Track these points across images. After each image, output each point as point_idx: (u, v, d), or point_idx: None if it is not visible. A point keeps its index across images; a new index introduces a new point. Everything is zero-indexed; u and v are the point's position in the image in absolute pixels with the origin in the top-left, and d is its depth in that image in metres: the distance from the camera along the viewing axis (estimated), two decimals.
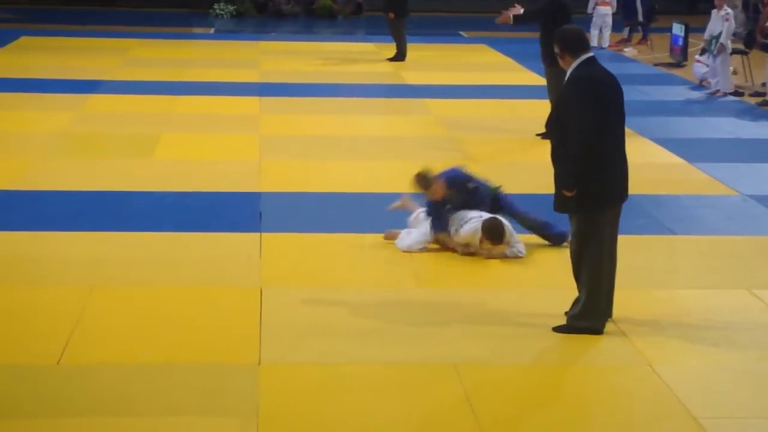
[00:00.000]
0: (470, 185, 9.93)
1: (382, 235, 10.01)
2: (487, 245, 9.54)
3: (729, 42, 18.98)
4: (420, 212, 10.07)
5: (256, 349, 7.56)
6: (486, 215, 9.64)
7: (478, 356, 7.56)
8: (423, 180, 9.90)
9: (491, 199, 9.89)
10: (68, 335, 7.69)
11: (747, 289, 8.99)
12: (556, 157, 7.83)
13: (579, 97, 7.70)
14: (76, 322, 7.94)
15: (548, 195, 8.56)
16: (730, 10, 19.06)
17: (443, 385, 7.08)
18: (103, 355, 7.44)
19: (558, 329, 7.95)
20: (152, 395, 6.85)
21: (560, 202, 7.88)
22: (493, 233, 9.50)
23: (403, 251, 9.69)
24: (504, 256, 9.54)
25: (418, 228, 9.90)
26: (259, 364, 7.34)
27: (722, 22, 18.81)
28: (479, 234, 9.50)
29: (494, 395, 6.98)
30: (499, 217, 9.64)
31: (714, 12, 19.08)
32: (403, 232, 9.92)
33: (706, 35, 19.23)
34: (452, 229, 9.69)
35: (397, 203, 10.37)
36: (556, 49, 7.92)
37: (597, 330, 7.89)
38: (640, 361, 7.51)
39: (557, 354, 7.68)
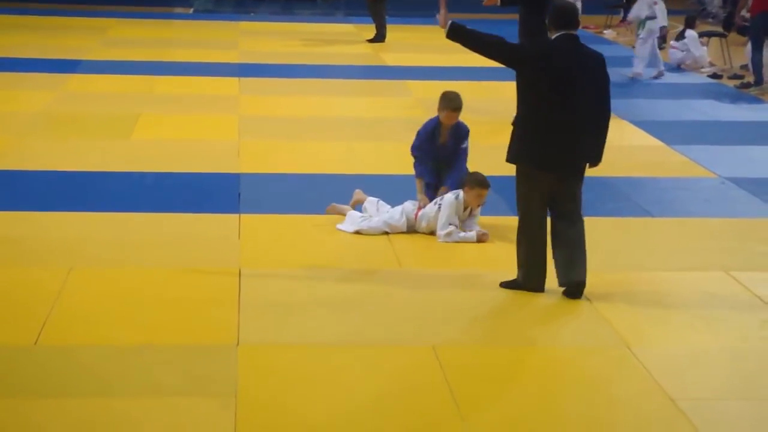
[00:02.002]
0: (465, 144, 10.18)
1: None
2: (478, 196, 9.67)
3: (657, 26, 18.90)
4: (378, 201, 10.03)
5: (234, 329, 7.56)
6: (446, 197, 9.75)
7: (457, 338, 7.57)
8: (457, 100, 10.07)
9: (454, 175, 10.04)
10: (46, 316, 7.68)
11: (724, 270, 9.03)
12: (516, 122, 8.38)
13: (534, 66, 8.11)
14: (54, 302, 7.93)
15: None
16: None
17: (422, 366, 7.10)
18: (81, 336, 7.43)
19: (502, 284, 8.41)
20: (130, 376, 6.84)
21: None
22: (483, 181, 9.71)
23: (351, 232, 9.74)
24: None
25: (380, 214, 9.85)
26: (238, 344, 7.34)
27: (649, 6, 18.75)
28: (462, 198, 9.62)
29: (472, 376, 6.99)
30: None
31: None
32: (353, 214, 9.90)
33: (633, 18, 19.19)
34: (423, 223, 9.75)
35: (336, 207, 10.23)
36: (547, 21, 8.13)
37: (522, 286, 8.32)
38: (618, 343, 7.54)
39: (535, 335, 7.70)
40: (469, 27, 8.46)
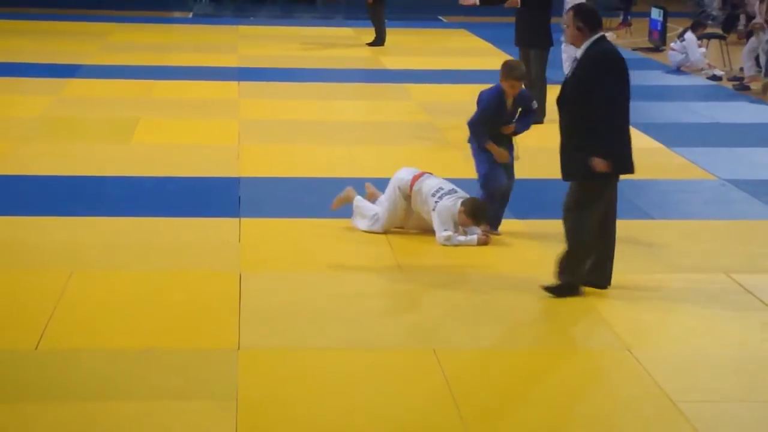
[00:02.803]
0: (535, 105, 10.20)
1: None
2: (465, 224, 9.62)
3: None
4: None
5: (235, 333, 7.56)
6: (459, 194, 9.70)
7: (458, 341, 7.57)
8: (520, 68, 9.90)
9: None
10: (46, 320, 7.67)
11: (725, 272, 9.03)
12: (575, 130, 8.09)
13: (608, 69, 8.03)
14: (55, 307, 7.93)
15: (531, 179, 8.63)
16: None
17: (423, 370, 7.09)
18: (82, 340, 7.43)
19: (546, 288, 8.30)
20: (131, 380, 6.84)
21: (570, 169, 8.17)
22: (477, 214, 9.57)
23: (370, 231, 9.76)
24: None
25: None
26: (239, 348, 7.34)
27: None
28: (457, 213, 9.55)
29: (474, 380, 6.99)
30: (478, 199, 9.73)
31: None
32: (365, 207, 9.94)
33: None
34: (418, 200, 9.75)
35: (342, 195, 10.22)
36: (578, 23, 8.10)
37: (574, 286, 8.27)
38: (618, 345, 7.54)
39: (536, 338, 7.70)
40: None
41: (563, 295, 8.24)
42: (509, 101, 9.78)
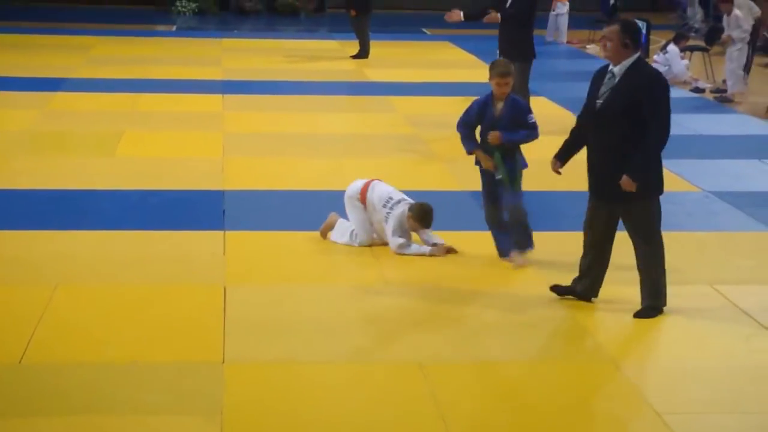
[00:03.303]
0: (533, 119, 9.45)
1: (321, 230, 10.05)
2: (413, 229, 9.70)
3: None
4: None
5: (220, 347, 7.55)
6: (405, 200, 9.73)
7: (443, 354, 7.57)
8: (504, 65, 9.57)
9: None
10: (30, 334, 7.65)
11: (709, 284, 9.05)
12: (620, 149, 7.96)
13: (666, 95, 7.93)
14: (39, 320, 7.90)
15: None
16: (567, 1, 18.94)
17: (408, 383, 7.09)
18: (66, 354, 7.40)
19: (640, 315, 8.26)
20: (116, 394, 6.82)
21: (613, 188, 8.05)
22: (425, 217, 9.62)
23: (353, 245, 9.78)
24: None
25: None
26: (223, 362, 7.32)
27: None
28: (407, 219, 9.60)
29: (459, 393, 6.99)
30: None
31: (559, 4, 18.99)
32: (344, 223, 9.95)
33: (548, 37, 19.12)
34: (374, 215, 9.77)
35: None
36: (626, 39, 7.92)
37: (663, 308, 8.33)
38: (604, 358, 7.55)
39: (521, 351, 7.70)
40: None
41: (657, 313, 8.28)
42: (498, 105, 9.36)
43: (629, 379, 7.19)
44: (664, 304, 8.29)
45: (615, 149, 8.00)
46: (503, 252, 9.46)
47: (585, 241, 8.45)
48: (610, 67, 8.07)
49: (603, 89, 8.06)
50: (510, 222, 9.40)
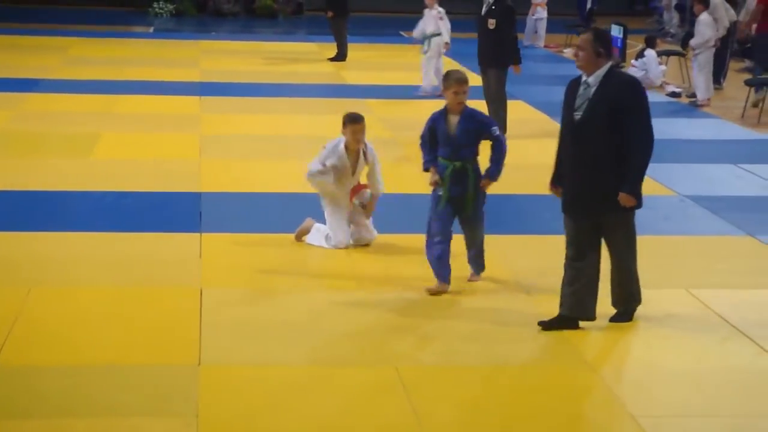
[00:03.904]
0: (496, 132, 8.83)
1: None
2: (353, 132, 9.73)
3: (449, 39, 18.72)
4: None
5: (196, 349, 7.53)
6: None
7: (420, 358, 7.57)
8: (458, 73, 8.86)
9: None
10: (5, 337, 7.61)
11: (685, 288, 9.08)
12: (603, 162, 7.74)
13: (645, 100, 7.77)
14: (14, 323, 7.86)
15: (492, 195, 8.63)
16: (441, 9, 18.82)
17: (384, 387, 7.09)
18: (42, 356, 7.37)
19: (616, 320, 8.20)
20: (91, 396, 6.80)
21: (595, 202, 7.88)
22: (356, 117, 9.74)
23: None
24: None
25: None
26: (199, 364, 7.31)
27: (436, 20, 18.68)
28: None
29: (435, 397, 6.99)
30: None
31: (426, 11, 18.91)
32: (320, 227, 9.95)
33: (418, 34, 19.04)
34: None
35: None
36: (599, 47, 7.70)
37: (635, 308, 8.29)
38: (579, 361, 7.56)
39: (497, 355, 7.70)
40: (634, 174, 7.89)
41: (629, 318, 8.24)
42: (453, 120, 8.70)
43: (605, 382, 7.21)
44: (639, 302, 8.27)
45: (597, 162, 7.76)
46: (477, 271, 9.14)
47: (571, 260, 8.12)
48: (584, 77, 7.83)
49: (579, 101, 7.79)
50: (471, 243, 9.04)
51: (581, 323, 8.05)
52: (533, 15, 26.11)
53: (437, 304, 8.50)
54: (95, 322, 7.99)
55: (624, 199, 7.81)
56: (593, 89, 7.75)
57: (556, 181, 8.16)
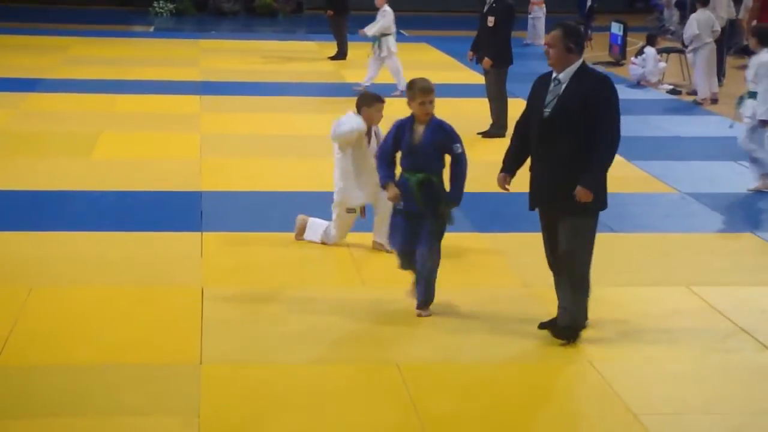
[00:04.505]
0: (459, 149, 8.28)
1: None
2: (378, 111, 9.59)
3: (371, 33, 18.56)
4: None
5: (197, 348, 7.53)
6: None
7: (421, 356, 7.57)
8: (424, 81, 8.45)
9: None
10: (6, 336, 7.62)
11: (686, 285, 9.08)
12: (569, 159, 7.56)
13: (615, 98, 7.59)
14: (15, 322, 7.87)
15: (492, 193, 8.61)
16: (387, 8, 18.69)
17: (386, 384, 7.09)
18: (43, 356, 7.37)
19: (554, 333, 7.84)
20: (92, 395, 6.80)
21: (559, 199, 7.68)
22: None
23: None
24: None
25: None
26: (201, 363, 7.31)
27: (389, 23, 18.60)
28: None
29: (436, 394, 6.99)
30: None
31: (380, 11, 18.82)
32: (316, 222, 9.91)
33: (372, 34, 18.91)
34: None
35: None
36: (570, 44, 7.56)
37: (584, 326, 7.90)
38: (580, 358, 7.56)
39: (498, 352, 7.70)
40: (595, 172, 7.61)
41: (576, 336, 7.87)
42: (419, 129, 8.17)
43: (606, 379, 7.21)
44: (583, 326, 7.87)
45: (565, 159, 7.57)
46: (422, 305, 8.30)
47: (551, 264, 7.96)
48: (554, 74, 7.65)
49: (549, 97, 7.66)
50: (418, 270, 8.25)
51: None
52: (531, 14, 26.09)
53: (439, 301, 8.50)
54: (96, 322, 7.99)
55: (581, 193, 7.53)
56: (564, 86, 7.62)
57: (508, 169, 7.96)
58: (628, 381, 7.23)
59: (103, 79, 19.07)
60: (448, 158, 8.28)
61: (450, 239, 9.91)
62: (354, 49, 22.62)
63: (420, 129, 8.19)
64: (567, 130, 7.56)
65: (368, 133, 9.68)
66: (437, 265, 8.22)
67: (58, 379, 7.02)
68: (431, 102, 8.21)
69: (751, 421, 6.78)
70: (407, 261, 8.32)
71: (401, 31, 28.25)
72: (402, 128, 8.24)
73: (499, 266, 9.33)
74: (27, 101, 16.76)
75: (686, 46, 18.81)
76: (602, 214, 11.04)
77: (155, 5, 31.55)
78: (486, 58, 14.92)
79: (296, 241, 9.94)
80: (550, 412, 6.85)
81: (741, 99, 12.38)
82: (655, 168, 13.15)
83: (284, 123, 15.62)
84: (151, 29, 28.38)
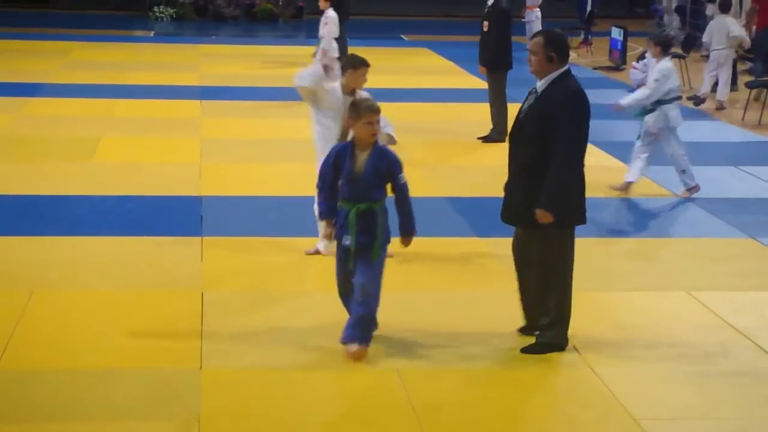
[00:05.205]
0: (402, 180, 7.60)
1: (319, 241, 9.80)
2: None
3: (330, 47, 18.41)
4: None
5: (197, 353, 7.53)
6: None
7: (420, 360, 7.57)
8: (369, 100, 8.15)
9: None
10: (6, 340, 7.62)
11: (685, 290, 9.08)
12: (529, 171, 7.47)
13: (579, 114, 7.43)
14: (15, 327, 7.87)
15: (491, 198, 8.61)
16: (330, 14, 18.44)
17: (386, 389, 7.09)
18: (43, 361, 7.37)
19: (527, 350, 7.69)
20: (92, 400, 6.80)
21: (520, 214, 7.59)
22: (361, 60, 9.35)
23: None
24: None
25: None
26: (201, 368, 7.31)
27: (323, 25, 18.51)
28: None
29: (436, 399, 6.99)
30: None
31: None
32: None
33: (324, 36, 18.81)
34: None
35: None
36: (551, 52, 7.45)
37: (562, 347, 7.73)
38: (580, 363, 7.56)
39: (498, 357, 7.71)
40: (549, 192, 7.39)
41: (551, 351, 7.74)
42: (361, 157, 7.49)
43: (605, 384, 7.21)
44: (565, 344, 7.72)
45: (526, 169, 7.49)
46: (343, 335, 7.60)
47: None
48: (537, 82, 7.58)
49: (525, 105, 7.62)
50: (354, 302, 7.59)
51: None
52: (524, 18, 25.93)
53: (438, 305, 8.50)
54: (96, 326, 7.99)
55: (540, 215, 7.40)
56: (538, 94, 7.55)
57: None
58: (627, 385, 7.22)
59: (103, 83, 19.08)
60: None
61: (449, 244, 9.95)
62: (354, 53, 22.60)
63: (362, 156, 7.48)
64: (531, 139, 7.47)
65: (351, 96, 9.32)
66: (377, 300, 7.60)
67: (59, 383, 7.02)
68: (378, 122, 7.70)
69: (750, 426, 6.78)
70: (345, 301, 7.77)
71: (402, 36, 28.33)
72: (342, 155, 7.52)
73: (499, 271, 9.32)
74: (28, 106, 16.76)
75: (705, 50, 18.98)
76: (602, 219, 11.09)
77: (156, 10, 31.56)
78: (480, 64, 14.96)
79: (296, 246, 9.92)
80: (549, 417, 6.86)
81: (643, 109, 12.25)
82: (655, 172, 13.14)
83: (285, 128, 15.62)
84: (152, 34, 28.39)
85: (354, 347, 7.42)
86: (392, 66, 22.77)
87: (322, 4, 18.32)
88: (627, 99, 12.30)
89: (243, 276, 9.21)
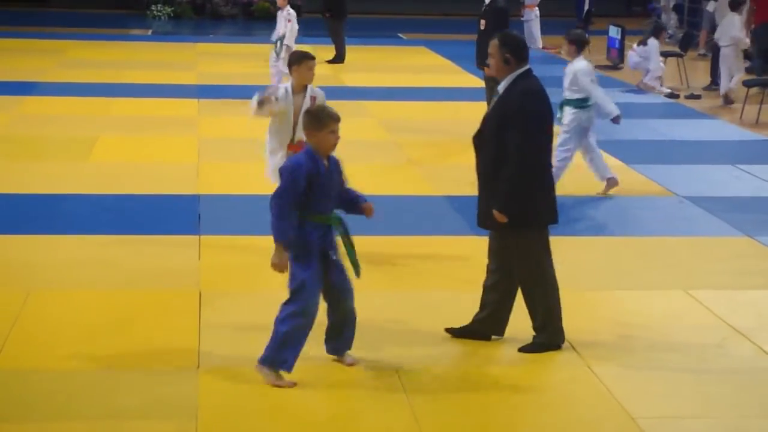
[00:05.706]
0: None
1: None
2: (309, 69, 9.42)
3: (294, 44, 18.33)
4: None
5: (194, 352, 7.52)
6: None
7: (419, 360, 7.56)
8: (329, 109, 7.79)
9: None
10: (4, 340, 7.61)
11: (683, 289, 9.08)
12: (490, 174, 7.46)
13: (534, 112, 7.39)
14: (12, 326, 7.86)
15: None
16: (292, 11, 18.27)
17: (385, 389, 7.08)
18: (40, 360, 7.36)
19: (525, 350, 7.70)
20: (89, 400, 6.79)
21: (486, 218, 7.58)
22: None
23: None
24: None
25: None
26: (198, 367, 7.30)
27: (285, 23, 18.48)
28: None
29: (435, 399, 6.98)
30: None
31: (279, 13, 18.72)
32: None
33: (274, 37, 18.81)
34: None
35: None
36: (506, 54, 7.42)
37: (558, 345, 7.74)
38: (579, 362, 7.56)
39: (496, 357, 7.70)
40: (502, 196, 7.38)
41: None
42: (325, 165, 7.27)
43: (604, 383, 7.21)
44: (561, 341, 7.73)
45: (486, 172, 7.51)
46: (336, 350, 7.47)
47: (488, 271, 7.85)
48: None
49: (489, 108, 7.61)
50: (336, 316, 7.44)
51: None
52: (522, 17, 25.86)
53: (437, 305, 8.49)
54: (94, 326, 7.98)
55: (496, 216, 7.40)
56: (498, 96, 7.54)
57: None
58: (625, 384, 7.22)
59: (100, 82, 19.06)
60: None
61: (448, 243, 9.94)
62: (352, 52, 22.64)
63: (325, 165, 7.25)
64: (489, 141, 7.46)
65: (303, 93, 9.50)
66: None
67: (56, 382, 7.01)
68: (337, 135, 7.43)
69: (748, 425, 6.78)
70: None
71: (400, 35, 28.33)
72: (310, 168, 7.13)
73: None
74: (24, 105, 16.75)
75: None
76: (600, 218, 11.08)
77: (153, 8, 31.53)
78: (477, 63, 14.95)
79: None
80: (548, 416, 6.85)
81: (561, 106, 12.18)
82: (653, 171, 13.15)
83: None
84: (149, 32, 28.36)
85: (348, 358, 7.43)
86: (390, 65, 22.79)
87: (280, 2, 18.28)
88: (610, 106, 12.24)
89: (241, 275, 9.20)
